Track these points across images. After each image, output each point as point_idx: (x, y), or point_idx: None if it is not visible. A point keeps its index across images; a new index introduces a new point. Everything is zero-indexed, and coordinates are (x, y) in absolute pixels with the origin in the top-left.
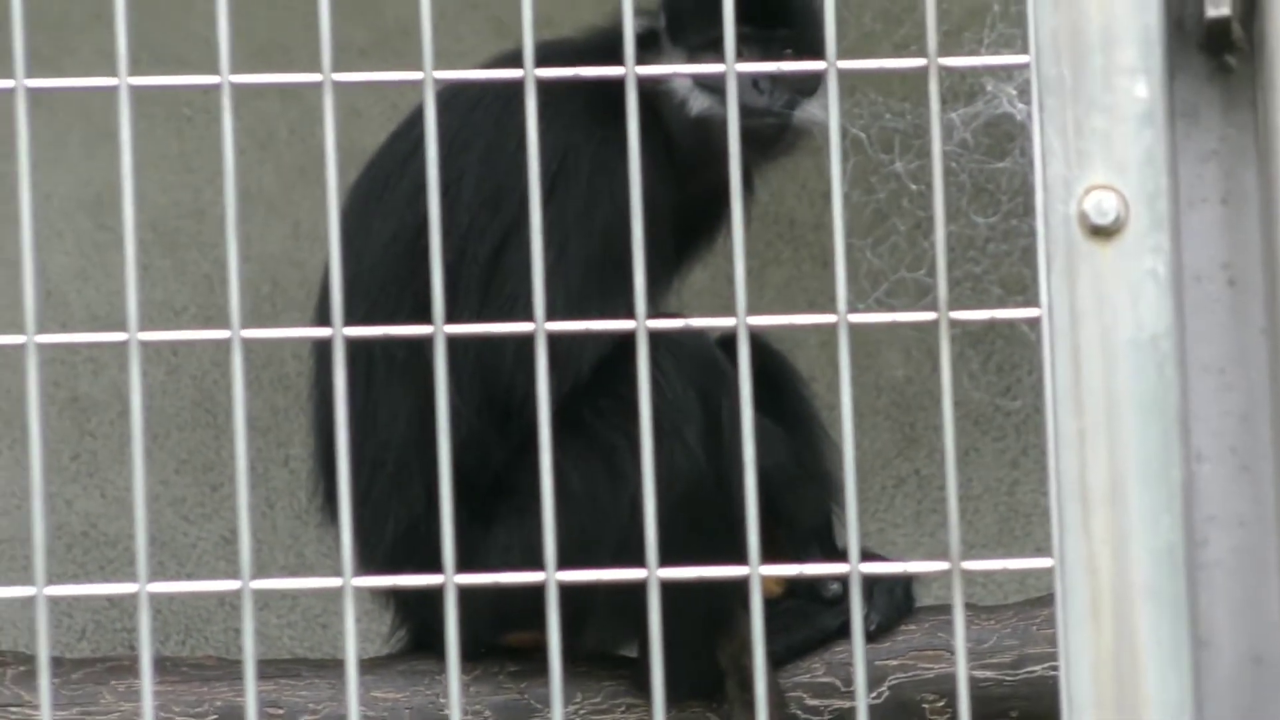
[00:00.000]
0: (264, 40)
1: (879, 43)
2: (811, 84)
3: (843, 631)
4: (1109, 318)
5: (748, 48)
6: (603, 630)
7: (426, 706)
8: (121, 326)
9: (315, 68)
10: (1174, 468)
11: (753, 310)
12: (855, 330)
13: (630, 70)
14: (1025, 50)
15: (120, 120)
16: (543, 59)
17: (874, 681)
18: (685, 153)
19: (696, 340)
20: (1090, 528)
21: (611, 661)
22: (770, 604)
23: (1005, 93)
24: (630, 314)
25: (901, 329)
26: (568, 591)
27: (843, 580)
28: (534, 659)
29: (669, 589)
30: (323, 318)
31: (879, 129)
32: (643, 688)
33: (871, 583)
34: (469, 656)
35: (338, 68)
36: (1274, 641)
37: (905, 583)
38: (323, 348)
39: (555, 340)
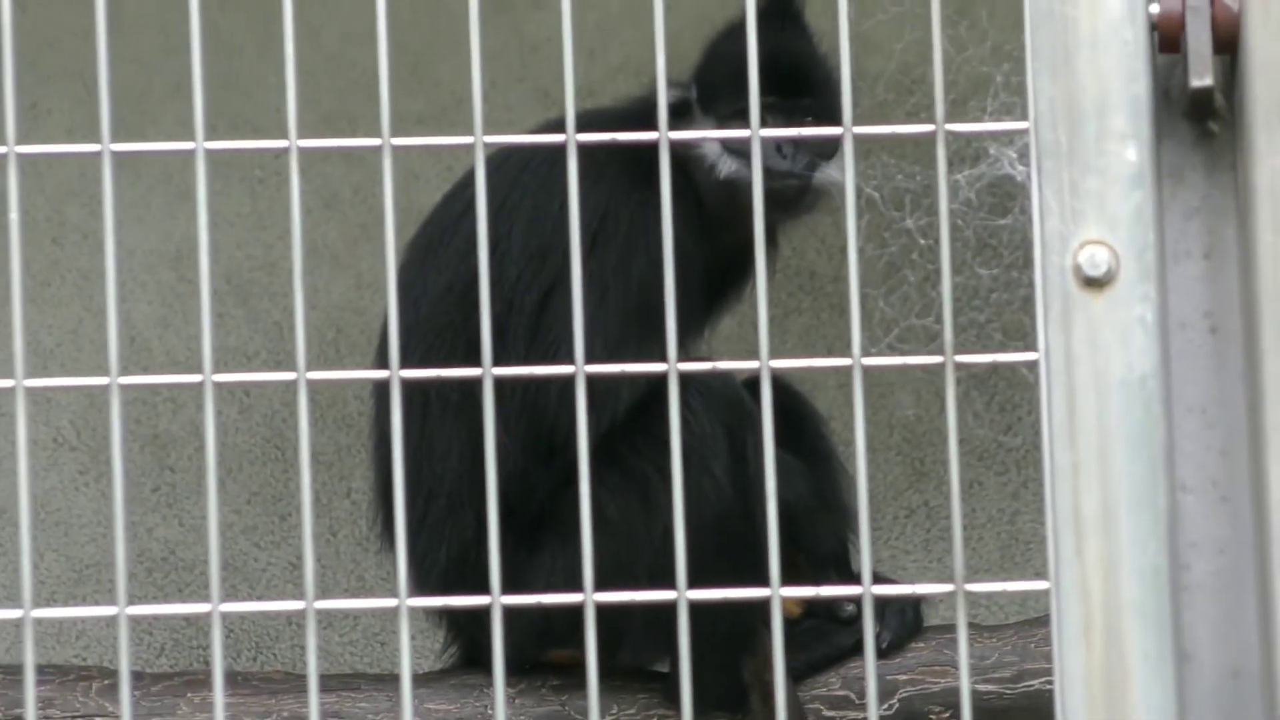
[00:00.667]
0: (329, 109)
1: (892, 111)
2: (830, 148)
3: (857, 649)
4: (1101, 361)
5: (772, 116)
6: (637, 647)
7: (475, 717)
8: (198, 369)
9: (376, 134)
10: (1160, 498)
11: (775, 354)
12: (869, 373)
13: (663, 135)
14: (1025, 117)
15: (198, 181)
16: (584, 126)
17: (885, 694)
18: (714, 212)
19: (724, 382)
20: (1083, 553)
21: (645, 676)
22: (790, 624)
23: (1007, 156)
24: (663, 358)
25: (911, 371)
26: (605, 611)
27: (857, 602)
28: (574, 673)
29: (697, 609)
30: (382, 361)
31: (891, 189)
32: (673, 700)
33: (883, 604)
34: (514, 671)
35: (396, 134)
36: (1251, 657)
37: (914, 604)
38: (382, 389)
39: (594, 382)
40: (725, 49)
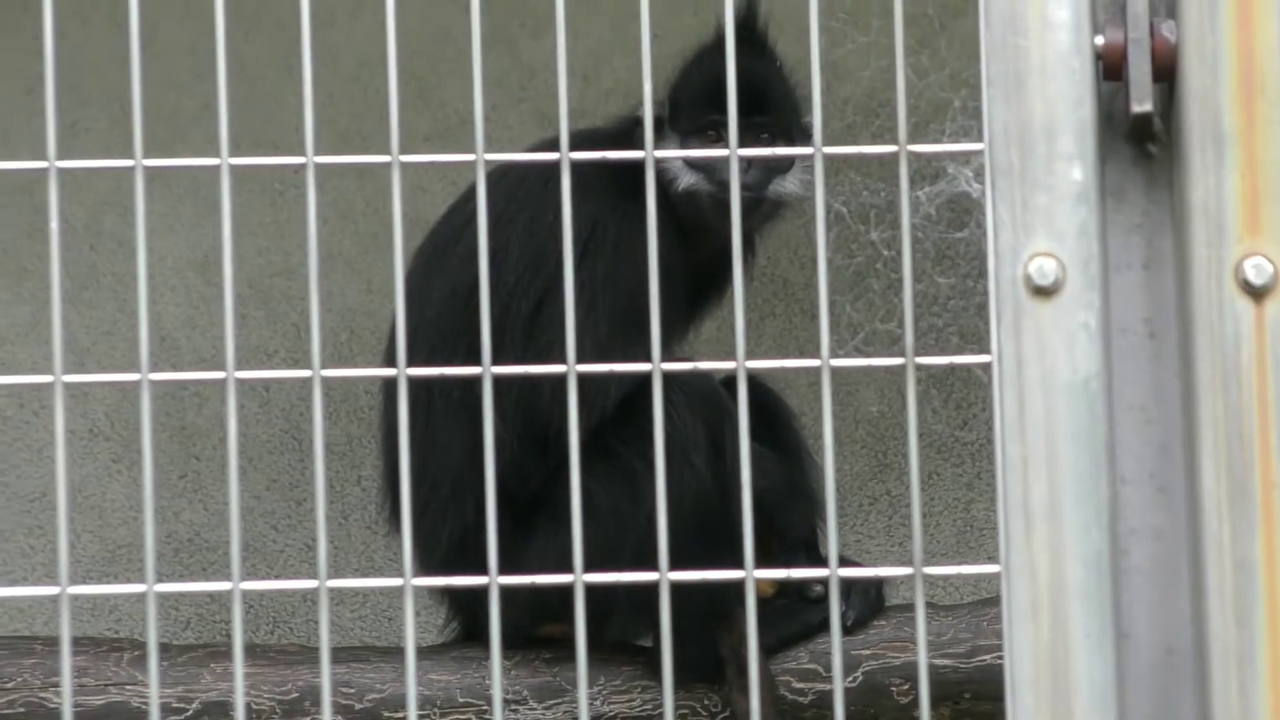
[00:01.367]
0: (344, 128)
1: (859, 132)
2: (783, 164)
3: (824, 626)
4: (1049, 363)
5: (728, 132)
6: (623, 623)
7: (474, 686)
8: (222, 367)
9: (386, 151)
10: (1102, 489)
11: (751, 355)
12: (836, 373)
13: (649, 155)
14: (981, 139)
15: (223, 194)
16: (576, 144)
17: (850, 668)
18: (684, 221)
19: (703, 380)
20: (1032, 539)
21: (630, 650)
22: (763, 602)
23: (964, 174)
24: (649, 359)
25: (875, 372)
26: (593, 591)
27: (824, 583)
28: (565, 647)
29: (678, 589)
30: (390, 360)
31: (858, 204)
32: (656, 672)
33: (849, 585)
34: (510, 645)
35: (404, 151)
36: (1184, 635)
37: (877, 585)
38: (390, 385)
39: (585, 380)
40: (689, 71)
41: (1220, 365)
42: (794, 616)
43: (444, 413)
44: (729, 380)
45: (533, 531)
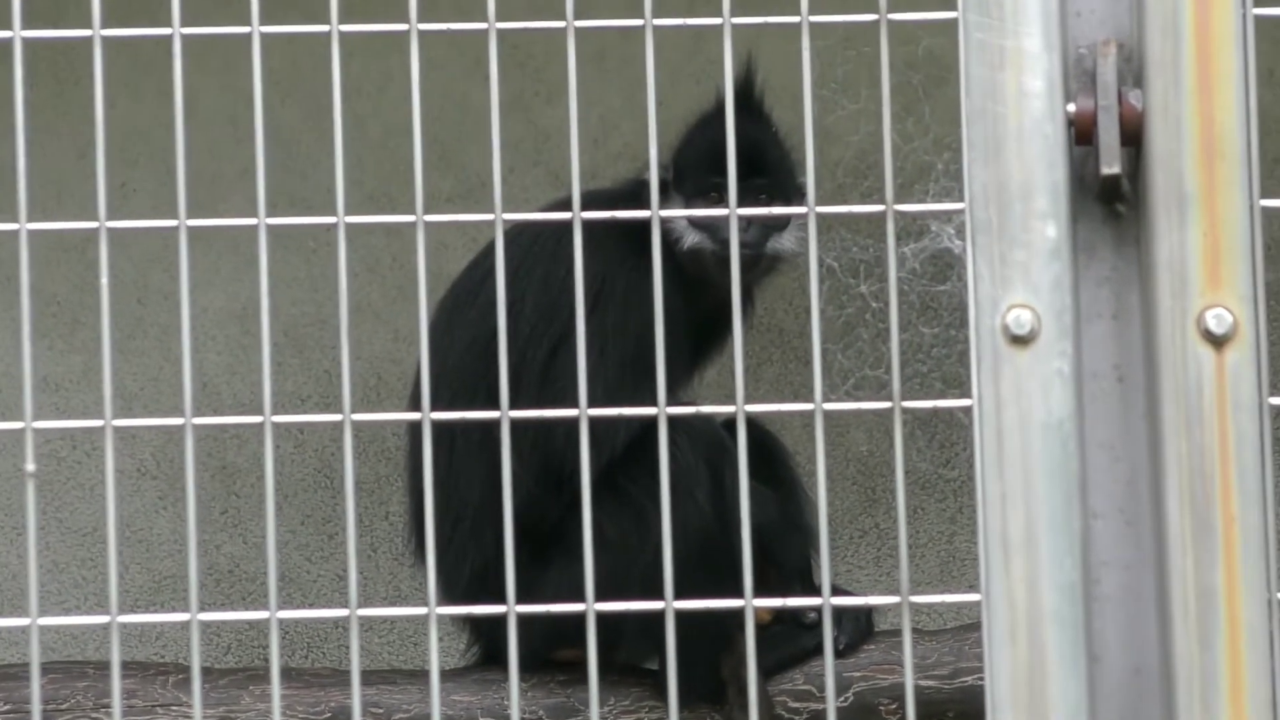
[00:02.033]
0: (372, 189)
1: (849, 192)
2: (781, 222)
3: (818, 650)
4: (1025, 406)
5: (728, 193)
6: (631, 648)
7: (494, 707)
8: (260, 411)
9: (412, 211)
10: (1075, 522)
11: (750, 399)
12: (829, 415)
13: (655, 214)
14: (962, 199)
15: (260, 251)
16: (587, 204)
17: (841, 689)
18: (688, 276)
19: (706, 423)
20: (1010, 569)
21: (639, 672)
22: (762, 628)
23: (946, 232)
24: (655, 403)
25: (865, 415)
26: (604, 618)
27: (818, 610)
28: (578, 670)
29: (682, 616)
30: (415, 405)
31: (848, 259)
32: (662, 692)
33: (840, 612)
34: (527, 668)
35: (428, 211)
36: (1151, 657)
37: (867, 612)
38: (415, 428)
39: (596, 423)
40: (692, 137)
41: (1184, 408)
42: (790, 641)
43: (465, 453)
44: (729, 422)
45: (548, 563)
